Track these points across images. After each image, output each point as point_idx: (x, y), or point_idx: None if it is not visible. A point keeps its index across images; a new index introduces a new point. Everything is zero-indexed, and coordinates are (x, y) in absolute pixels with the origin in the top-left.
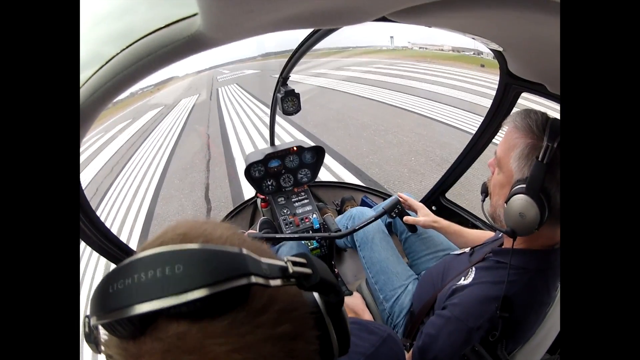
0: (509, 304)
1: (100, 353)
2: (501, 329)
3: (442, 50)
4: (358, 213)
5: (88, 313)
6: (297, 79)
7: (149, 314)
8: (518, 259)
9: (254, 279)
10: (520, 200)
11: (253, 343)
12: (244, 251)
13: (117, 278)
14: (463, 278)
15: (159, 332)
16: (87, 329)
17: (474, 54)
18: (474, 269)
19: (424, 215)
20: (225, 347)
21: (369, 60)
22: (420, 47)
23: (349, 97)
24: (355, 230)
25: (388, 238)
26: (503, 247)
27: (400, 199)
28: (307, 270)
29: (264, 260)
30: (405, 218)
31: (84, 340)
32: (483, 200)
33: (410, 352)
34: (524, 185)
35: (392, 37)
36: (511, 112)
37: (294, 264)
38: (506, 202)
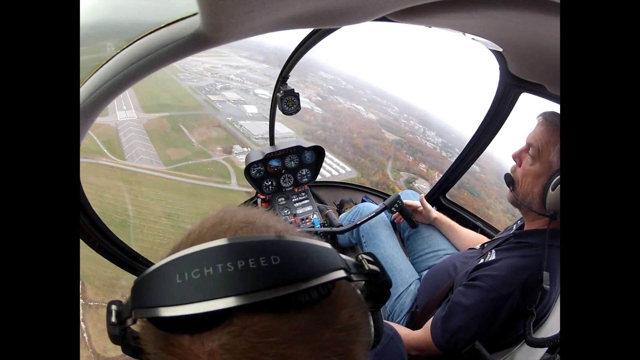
0: (539, 275)
1: (136, 357)
2: (539, 300)
3: None
4: (365, 208)
5: (128, 306)
6: None
7: (232, 308)
8: (539, 238)
9: (343, 274)
10: None
11: (329, 338)
12: (328, 245)
13: (188, 267)
14: (483, 259)
15: (234, 327)
16: (118, 327)
17: None
18: (493, 251)
19: (423, 210)
20: (306, 348)
21: None
22: None
23: None
24: (357, 226)
25: (394, 235)
26: (525, 229)
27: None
28: (377, 269)
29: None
30: (406, 201)
31: (110, 341)
32: (511, 190)
33: (430, 321)
34: None
35: None
36: (543, 111)
37: (368, 261)
38: (552, 189)
